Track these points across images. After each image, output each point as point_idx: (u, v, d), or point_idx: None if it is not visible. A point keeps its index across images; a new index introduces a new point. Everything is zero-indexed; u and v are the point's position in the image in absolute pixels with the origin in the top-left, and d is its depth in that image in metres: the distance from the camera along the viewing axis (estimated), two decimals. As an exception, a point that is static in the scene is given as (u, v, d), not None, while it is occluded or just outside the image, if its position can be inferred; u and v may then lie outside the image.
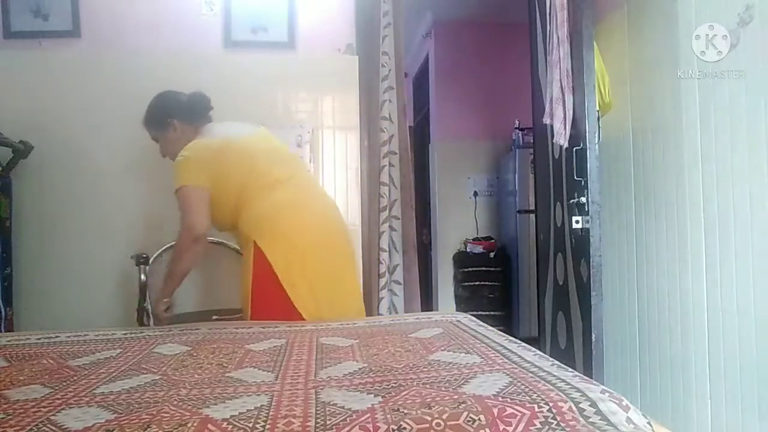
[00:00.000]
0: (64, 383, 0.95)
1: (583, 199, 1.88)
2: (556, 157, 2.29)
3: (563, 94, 1.97)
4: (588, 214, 1.86)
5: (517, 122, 4.02)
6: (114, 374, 1.01)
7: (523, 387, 0.85)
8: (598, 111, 1.97)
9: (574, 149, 1.92)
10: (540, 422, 0.75)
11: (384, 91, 2.67)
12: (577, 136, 1.94)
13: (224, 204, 1.82)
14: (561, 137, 1.97)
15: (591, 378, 1.67)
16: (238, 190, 1.81)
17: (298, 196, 1.86)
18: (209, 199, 1.78)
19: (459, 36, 4.46)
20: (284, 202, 1.80)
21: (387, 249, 2.64)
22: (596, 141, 1.87)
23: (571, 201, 1.97)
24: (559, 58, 1.98)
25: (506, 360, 1.04)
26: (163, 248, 2.46)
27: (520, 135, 3.98)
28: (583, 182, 1.88)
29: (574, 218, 1.93)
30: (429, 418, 0.74)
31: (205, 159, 1.81)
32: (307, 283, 1.73)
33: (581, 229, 1.91)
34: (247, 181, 1.81)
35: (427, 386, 0.88)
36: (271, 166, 1.86)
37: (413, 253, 2.76)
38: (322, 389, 0.89)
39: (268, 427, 0.73)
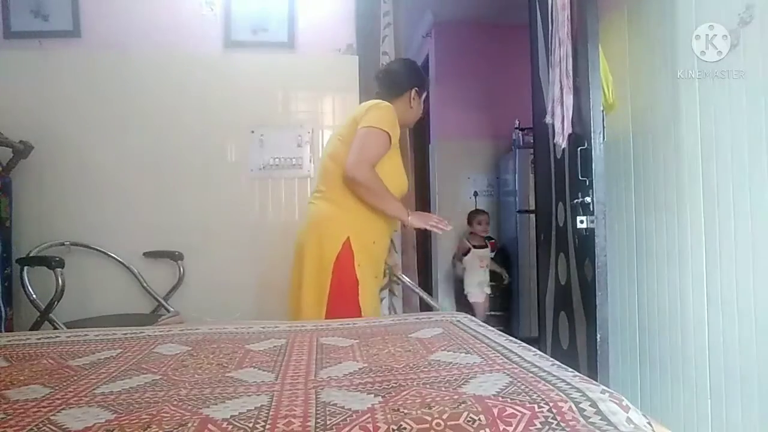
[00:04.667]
0: (64, 383, 0.95)
1: (588, 199, 1.88)
2: (559, 157, 2.29)
3: (563, 94, 1.97)
4: (593, 214, 1.86)
5: (517, 122, 4.02)
6: (114, 374, 1.01)
7: (523, 387, 0.85)
8: (602, 111, 1.97)
9: (579, 149, 1.92)
10: (540, 422, 0.75)
11: (384, 90, 2.67)
12: (581, 135, 1.93)
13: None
14: (560, 137, 1.97)
15: (596, 378, 1.68)
16: None
17: None
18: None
19: (459, 36, 4.46)
20: None
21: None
22: (601, 141, 1.87)
23: (575, 201, 1.97)
24: (560, 57, 1.98)
25: (506, 360, 1.04)
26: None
27: (520, 135, 3.97)
28: (587, 182, 1.88)
29: (578, 218, 1.93)
30: (429, 418, 0.74)
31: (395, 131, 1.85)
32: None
33: (586, 229, 1.91)
34: None
35: (427, 386, 0.88)
36: None
37: (413, 253, 2.76)
38: (322, 389, 0.89)
39: (268, 427, 0.73)
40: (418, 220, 1.91)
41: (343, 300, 1.77)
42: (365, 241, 1.84)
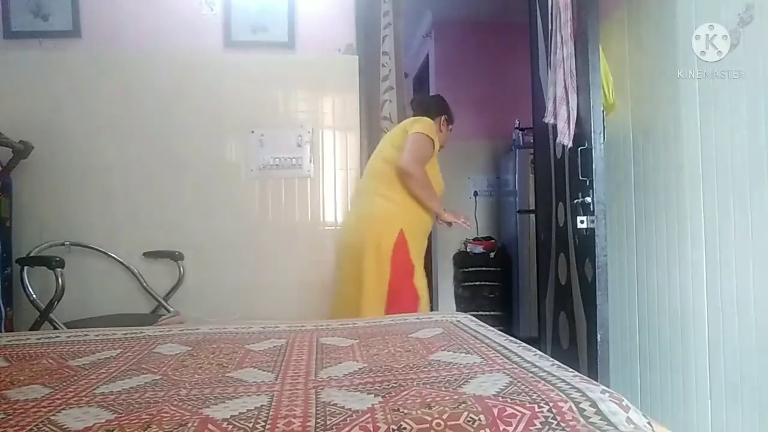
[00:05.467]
0: (64, 383, 0.95)
1: (589, 199, 1.88)
2: (559, 157, 2.29)
3: (567, 94, 1.97)
4: (593, 214, 1.86)
5: (517, 122, 4.02)
6: (114, 374, 1.01)
7: (523, 387, 0.85)
8: (603, 111, 1.97)
9: (579, 149, 1.92)
10: (540, 422, 0.75)
11: (384, 91, 2.67)
12: (581, 135, 1.93)
13: None
14: (565, 137, 1.97)
15: (596, 378, 1.68)
16: None
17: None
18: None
19: (459, 36, 4.46)
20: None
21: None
22: (602, 141, 1.87)
23: (576, 201, 1.97)
24: (563, 57, 1.98)
25: (506, 360, 1.04)
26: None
27: (520, 135, 3.97)
28: (588, 182, 1.88)
29: (578, 218, 1.93)
30: (429, 418, 0.74)
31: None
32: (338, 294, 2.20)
33: (586, 229, 1.91)
34: None
35: (427, 386, 0.88)
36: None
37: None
38: (322, 389, 0.89)
39: (268, 427, 0.73)
40: (451, 216, 2.24)
41: (402, 284, 2.05)
42: (415, 231, 2.14)
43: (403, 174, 2.07)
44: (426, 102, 2.48)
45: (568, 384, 0.87)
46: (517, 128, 4.01)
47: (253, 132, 2.58)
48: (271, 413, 0.77)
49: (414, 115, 2.33)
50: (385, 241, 2.05)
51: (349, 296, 2.09)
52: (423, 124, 2.15)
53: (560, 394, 0.82)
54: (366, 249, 2.04)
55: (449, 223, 2.27)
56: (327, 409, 0.79)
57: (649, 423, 0.79)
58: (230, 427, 0.73)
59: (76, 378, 0.99)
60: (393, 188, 2.11)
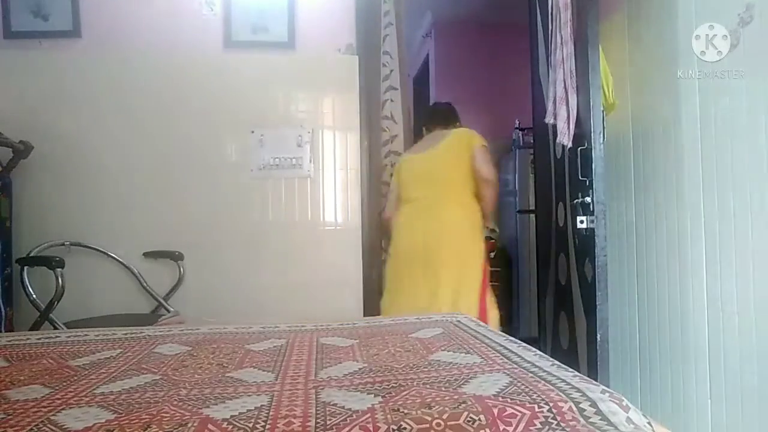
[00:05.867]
0: (64, 383, 0.95)
1: (588, 199, 1.88)
2: (559, 156, 2.29)
3: (567, 94, 1.97)
4: (593, 214, 1.86)
5: (517, 122, 4.01)
6: (114, 374, 1.01)
7: (523, 387, 0.85)
8: (602, 111, 1.97)
9: (579, 149, 1.92)
10: (540, 422, 0.75)
11: (385, 90, 2.67)
12: (581, 135, 1.93)
13: None
14: (565, 137, 1.97)
15: (596, 378, 1.68)
16: None
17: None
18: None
19: (459, 36, 4.46)
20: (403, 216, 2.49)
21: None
22: (601, 141, 1.87)
23: (575, 201, 1.97)
24: (563, 57, 1.98)
25: (506, 360, 1.04)
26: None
27: (520, 135, 3.97)
28: (588, 182, 1.88)
29: (578, 218, 1.93)
30: (429, 418, 0.74)
31: None
32: (393, 285, 2.43)
33: (586, 229, 1.91)
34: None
35: (427, 386, 0.88)
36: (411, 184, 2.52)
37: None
38: (322, 389, 0.89)
39: (268, 427, 0.73)
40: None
41: (486, 282, 2.41)
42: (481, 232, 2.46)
43: (490, 185, 2.38)
44: (441, 111, 2.69)
45: (568, 384, 0.87)
46: (517, 128, 4.01)
47: (253, 132, 2.58)
48: (271, 413, 0.77)
49: (434, 126, 2.59)
50: (478, 244, 2.39)
51: (425, 293, 2.31)
52: (479, 137, 2.44)
53: (560, 394, 0.82)
54: (466, 250, 2.34)
55: (494, 230, 2.58)
56: (327, 409, 0.79)
57: (649, 423, 0.79)
58: (230, 427, 0.73)
59: (76, 378, 0.99)
60: (469, 195, 2.42)
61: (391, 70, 2.68)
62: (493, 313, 2.41)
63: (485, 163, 2.36)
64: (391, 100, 2.66)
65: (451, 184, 2.41)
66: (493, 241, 4.26)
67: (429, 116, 2.67)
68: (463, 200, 2.40)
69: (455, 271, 2.30)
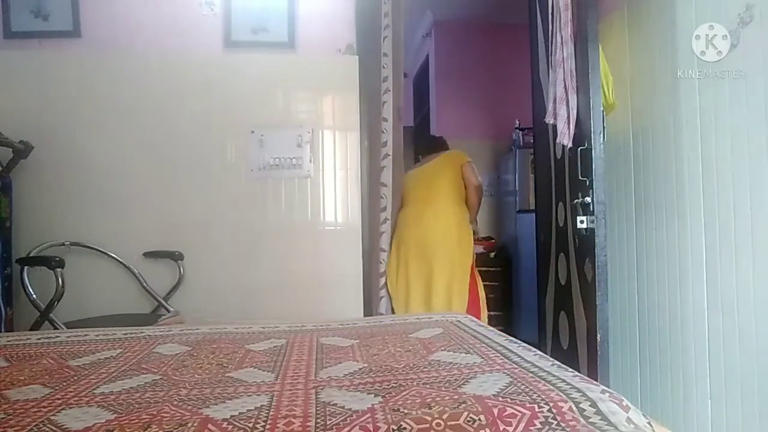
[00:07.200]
0: (64, 383, 0.95)
1: (588, 199, 1.88)
2: (559, 156, 2.29)
3: (567, 94, 1.97)
4: (593, 214, 1.86)
5: (517, 122, 4.01)
6: (114, 374, 1.01)
7: (523, 387, 0.85)
8: (602, 111, 1.97)
9: (579, 149, 1.92)
10: (540, 422, 0.75)
11: (385, 91, 2.67)
12: (581, 135, 1.93)
13: None
14: (565, 137, 1.97)
15: (596, 378, 1.68)
16: None
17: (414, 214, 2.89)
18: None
19: (459, 36, 4.46)
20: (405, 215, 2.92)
21: (387, 249, 2.64)
22: (601, 141, 1.87)
23: (575, 201, 1.97)
24: (563, 57, 1.98)
25: (506, 360, 1.04)
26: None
27: (520, 135, 3.97)
28: (588, 182, 1.88)
29: (578, 218, 1.93)
30: (429, 418, 0.74)
31: None
32: (403, 280, 2.80)
33: (586, 228, 1.91)
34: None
35: (427, 386, 0.88)
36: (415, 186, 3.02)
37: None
38: (322, 389, 0.89)
39: (268, 427, 0.73)
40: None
41: (473, 271, 2.94)
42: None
43: (479, 190, 2.97)
44: (439, 141, 3.27)
45: (568, 384, 0.87)
46: (517, 128, 4.01)
47: (253, 132, 2.58)
48: (271, 413, 0.77)
49: (432, 150, 3.13)
50: (467, 241, 2.88)
51: (433, 282, 2.77)
52: (466, 155, 3.02)
53: (560, 394, 0.82)
54: (457, 246, 2.81)
55: (475, 232, 3.04)
56: (327, 409, 0.79)
57: (649, 423, 0.79)
58: (230, 427, 0.73)
59: (76, 378, 0.99)
60: (461, 205, 2.94)
61: (390, 71, 2.68)
62: (484, 315, 2.87)
63: (472, 174, 2.95)
64: (387, 102, 2.67)
65: (442, 190, 2.90)
66: (493, 241, 4.28)
67: (425, 145, 3.26)
68: (456, 202, 2.91)
69: (447, 258, 2.78)
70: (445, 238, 2.81)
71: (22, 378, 0.99)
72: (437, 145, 3.19)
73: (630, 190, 2.13)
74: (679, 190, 1.82)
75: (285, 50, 2.63)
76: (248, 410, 0.78)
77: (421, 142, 3.36)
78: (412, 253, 2.80)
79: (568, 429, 0.73)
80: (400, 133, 2.77)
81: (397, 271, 2.81)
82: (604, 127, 1.95)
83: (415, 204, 2.91)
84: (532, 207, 3.15)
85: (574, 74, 1.95)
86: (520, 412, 0.76)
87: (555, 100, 2.05)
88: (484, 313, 2.90)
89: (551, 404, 0.78)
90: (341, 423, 0.73)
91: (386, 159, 2.66)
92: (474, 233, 2.99)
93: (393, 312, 2.79)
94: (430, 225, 2.81)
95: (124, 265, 2.42)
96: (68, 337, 1.37)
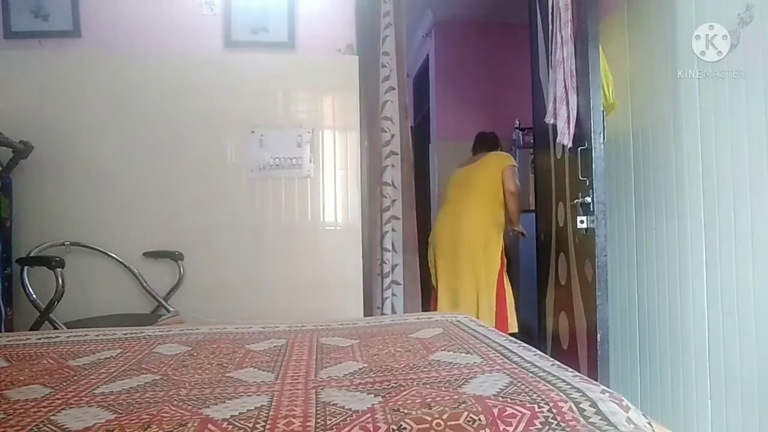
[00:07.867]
0: (64, 383, 0.95)
1: (588, 199, 1.88)
2: (559, 157, 2.29)
3: (567, 94, 1.97)
4: (593, 214, 1.86)
5: (517, 122, 4.01)
6: (114, 374, 1.01)
7: (523, 387, 0.85)
8: (602, 111, 1.97)
9: (579, 149, 1.92)
10: (540, 422, 0.75)
11: (385, 91, 2.67)
12: (581, 135, 1.93)
13: None
14: (565, 137, 1.97)
15: (596, 378, 1.68)
16: None
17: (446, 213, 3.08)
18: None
19: (459, 36, 4.46)
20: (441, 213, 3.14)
21: (390, 249, 2.64)
22: (601, 141, 1.87)
23: (576, 201, 1.97)
24: (563, 57, 1.98)
25: (506, 360, 1.04)
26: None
27: (520, 135, 3.97)
28: (588, 182, 1.88)
29: (578, 218, 1.93)
30: (429, 418, 0.74)
31: None
32: (434, 274, 3.05)
33: (586, 229, 1.91)
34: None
35: (427, 386, 0.88)
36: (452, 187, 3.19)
37: (414, 253, 2.76)
38: (322, 389, 0.89)
39: (268, 427, 0.73)
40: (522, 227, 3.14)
41: (502, 272, 3.02)
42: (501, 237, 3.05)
43: (514, 196, 2.97)
44: (491, 139, 3.29)
45: (568, 384, 0.87)
46: (517, 128, 4.01)
47: (253, 132, 2.58)
48: (271, 413, 0.77)
49: (482, 149, 3.21)
50: (495, 246, 2.97)
51: (467, 277, 2.92)
52: (509, 159, 3.08)
53: (560, 394, 0.82)
54: (482, 249, 2.92)
55: (522, 233, 3.12)
56: (327, 409, 0.79)
57: (649, 423, 0.79)
58: (230, 427, 0.73)
59: (76, 378, 0.99)
60: (495, 208, 3.00)
61: (391, 71, 2.68)
62: (512, 320, 3.00)
63: (509, 179, 2.97)
64: (391, 101, 2.66)
65: (477, 191, 2.99)
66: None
67: (476, 144, 3.30)
68: (488, 204, 2.99)
69: (470, 259, 2.91)
70: (470, 240, 2.91)
71: (22, 378, 0.99)
72: (487, 144, 3.22)
73: (630, 190, 2.13)
74: (679, 190, 1.82)
75: (285, 50, 2.63)
76: (248, 410, 0.78)
77: (476, 141, 3.38)
78: (440, 250, 3.01)
79: (568, 429, 0.73)
80: (407, 131, 2.77)
81: (434, 266, 3.07)
82: (604, 127, 1.95)
83: (451, 203, 3.07)
84: (532, 207, 3.15)
85: (574, 74, 1.95)
86: (520, 412, 0.76)
87: (555, 100, 2.05)
88: (513, 318, 3.01)
89: (551, 404, 0.78)
90: (341, 423, 0.73)
91: (391, 158, 2.65)
92: (521, 235, 3.12)
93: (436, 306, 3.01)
94: (459, 224, 2.95)
95: (124, 265, 2.42)
96: (68, 337, 1.37)
